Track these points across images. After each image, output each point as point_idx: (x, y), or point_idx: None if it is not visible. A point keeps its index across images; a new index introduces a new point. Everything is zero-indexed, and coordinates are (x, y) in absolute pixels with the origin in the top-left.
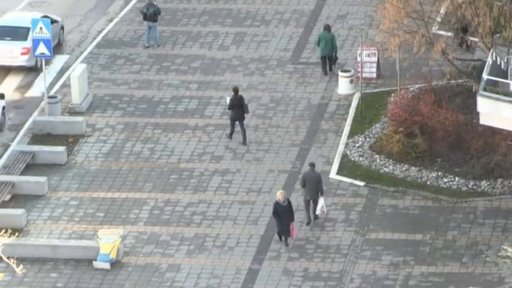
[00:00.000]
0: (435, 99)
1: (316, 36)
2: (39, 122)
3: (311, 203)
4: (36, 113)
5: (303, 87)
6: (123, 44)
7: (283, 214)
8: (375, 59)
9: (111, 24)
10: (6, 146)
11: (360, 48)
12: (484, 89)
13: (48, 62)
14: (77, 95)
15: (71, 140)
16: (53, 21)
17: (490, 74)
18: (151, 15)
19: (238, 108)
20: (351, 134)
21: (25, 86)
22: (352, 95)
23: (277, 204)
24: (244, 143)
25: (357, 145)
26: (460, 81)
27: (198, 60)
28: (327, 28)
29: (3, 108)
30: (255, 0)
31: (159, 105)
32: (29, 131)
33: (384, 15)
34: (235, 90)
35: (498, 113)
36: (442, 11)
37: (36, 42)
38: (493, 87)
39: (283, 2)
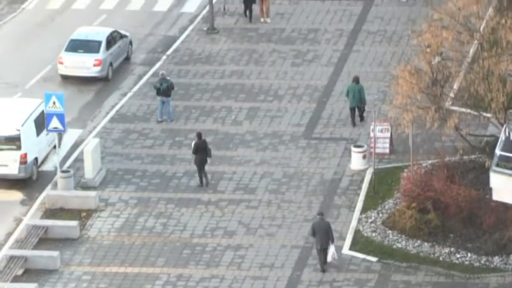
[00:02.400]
0: (448, 174)
1: (329, 110)
2: (52, 196)
3: (322, 251)
4: (49, 187)
5: (316, 162)
6: (137, 119)
7: None
8: (388, 134)
9: (125, 99)
10: (19, 220)
11: (373, 123)
12: (497, 165)
13: (61, 136)
14: (90, 170)
15: (83, 215)
16: (122, 36)
17: (503, 149)
18: (164, 90)
19: (202, 152)
20: (364, 210)
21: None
22: (365, 170)
23: None
24: (207, 183)
25: (369, 220)
26: (473, 156)
27: (211, 135)
28: (356, 80)
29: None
30: (268, 75)
31: (172, 180)
32: (41, 205)
33: (397, 90)
34: (199, 135)
35: (511, 188)
36: (456, 86)
37: (49, 117)
38: (506, 163)
39: (296, 77)
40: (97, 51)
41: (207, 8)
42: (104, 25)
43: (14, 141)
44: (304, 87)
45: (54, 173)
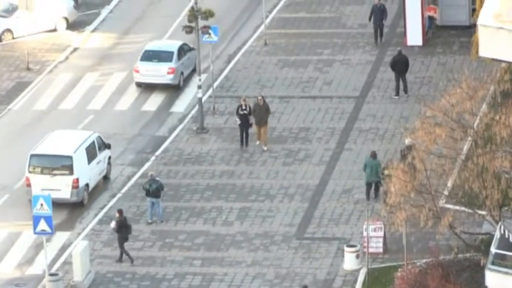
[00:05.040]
0: (443, 273)
1: (322, 210)
2: None
3: None
4: None
5: (309, 262)
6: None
7: None
8: (381, 233)
9: (114, 200)
10: None
11: (366, 222)
12: (492, 263)
13: (49, 239)
14: (79, 272)
15: None
16: (190, 49)
17: (498, 247)
18: (154, 191)
19: (125, 229)
20: None
21: (26, 263)
22: (358, 270)
23: None
24: (120, 260)
25: None
26: (467, 255)
27: (201, 236)
28: (373, 155)
29: (109, 158)
30: (259, 175)
31: (162, 282)
32: None
33: (390, 189)
34: (120, 211)
35: (507, 287)
36: (449, 184)
37: (36, 219)
38: (501, 261)
39: (287, 176)
40: (170, 60)
41: (197, 107)
42: (90, 126)
43: (67, 167)
44: (296, 186)
45: (43, 276)
